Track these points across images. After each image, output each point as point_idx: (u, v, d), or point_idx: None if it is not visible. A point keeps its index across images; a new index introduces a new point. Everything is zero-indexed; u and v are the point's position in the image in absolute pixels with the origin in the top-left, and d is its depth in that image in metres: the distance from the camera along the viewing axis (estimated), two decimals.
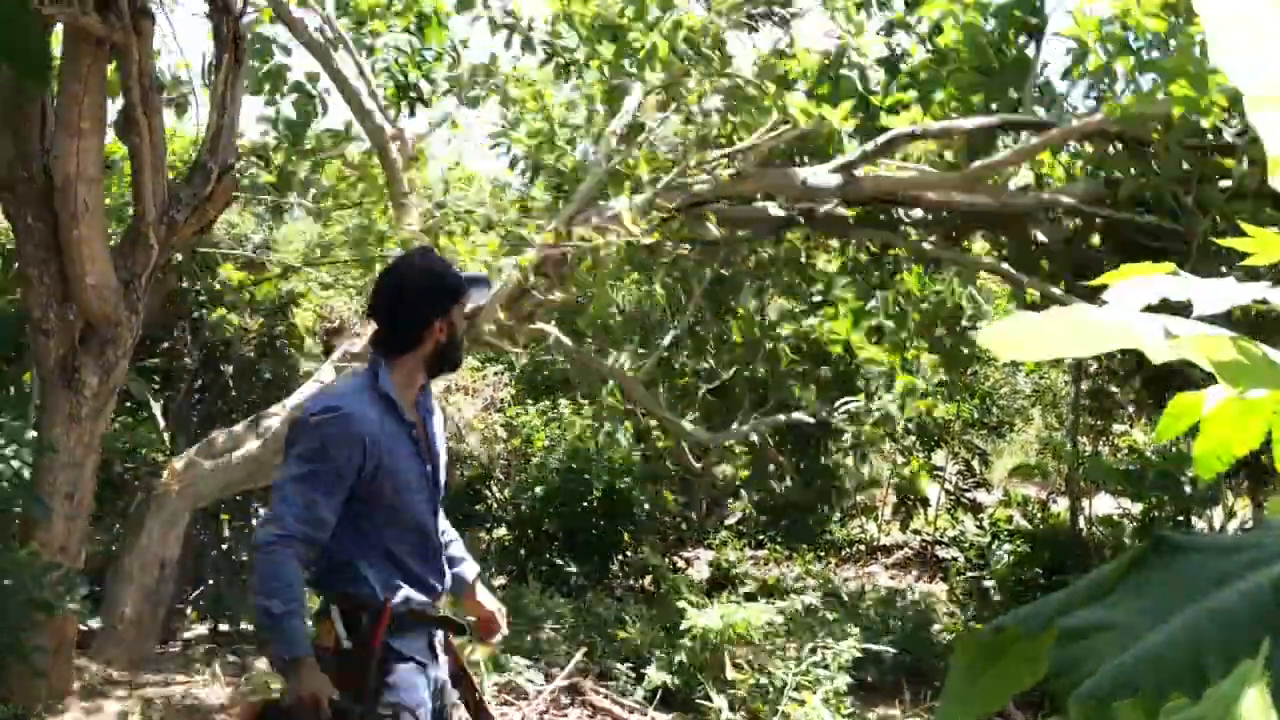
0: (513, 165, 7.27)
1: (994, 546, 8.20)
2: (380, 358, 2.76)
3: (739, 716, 5.43)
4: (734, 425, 6.91)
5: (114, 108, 4.69)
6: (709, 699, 5.47)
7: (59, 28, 4.43)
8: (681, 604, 5.79)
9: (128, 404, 6.67)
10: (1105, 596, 1.05)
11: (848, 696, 5.77)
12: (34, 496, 4.60)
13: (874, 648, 6.25)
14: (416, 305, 2.72)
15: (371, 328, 2.92)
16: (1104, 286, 3.11)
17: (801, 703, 5.49)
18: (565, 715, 5.12)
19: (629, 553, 7.78)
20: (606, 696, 5.43)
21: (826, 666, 5.83)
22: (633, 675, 5.65)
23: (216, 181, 4.65)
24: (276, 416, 5.84)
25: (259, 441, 5.78)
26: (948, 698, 1.18)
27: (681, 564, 8.10)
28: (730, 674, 5.59)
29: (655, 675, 5.56)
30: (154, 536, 5.74)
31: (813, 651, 5.87)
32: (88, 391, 4.68)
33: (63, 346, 4.71)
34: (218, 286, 7.04)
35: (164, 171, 4.62)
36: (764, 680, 5.65)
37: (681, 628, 5.71)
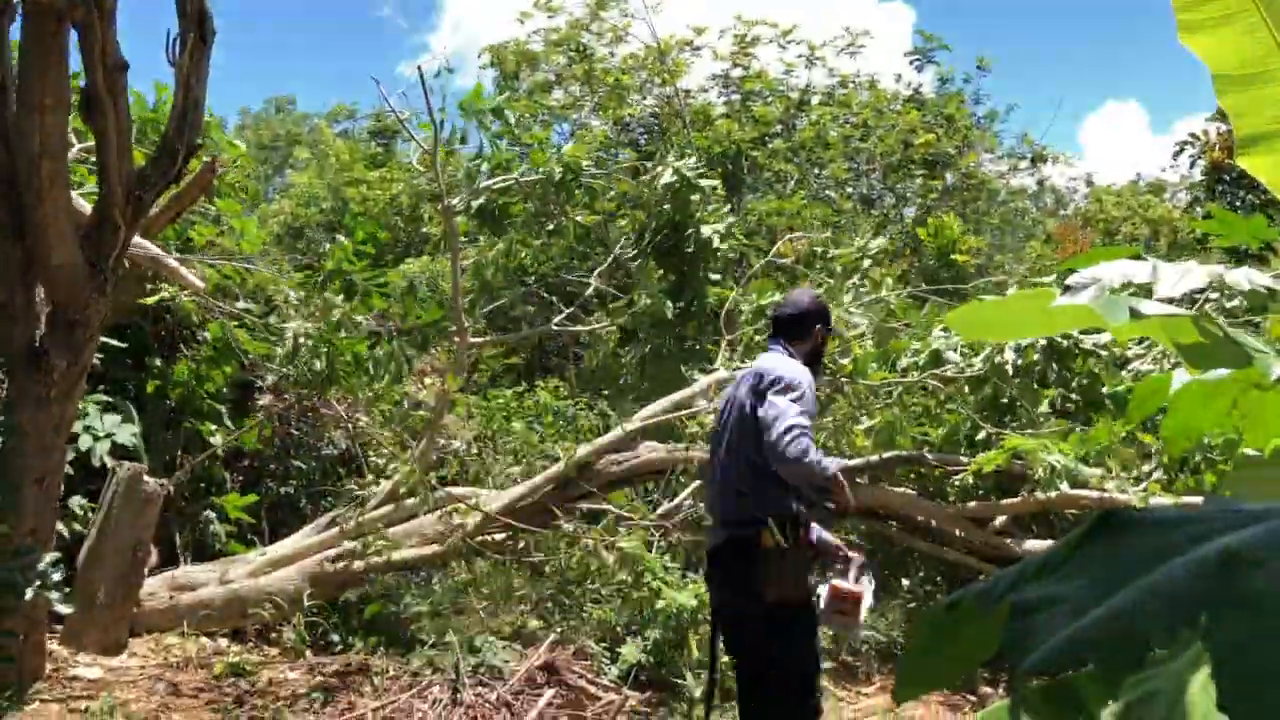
0: None
1: None
2: (785, 343, 4.07)
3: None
4: None
5: None
6: (685, 676, 5.49)
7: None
8: (656, 583, 5.80)
9: (100, 388, 6.63)
10: (1056, 572, 1.05)
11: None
12: (2, 481, 4.57)
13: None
14: (817, 314, 4.15)
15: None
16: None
17: None
18: (540, 694, 5.12)
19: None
20: (581, 675, 5.44)
21: None
22: (608, 655, 5.66)
23: (183, 161, 4.60)
24: None
25: None
26: (904, 674, 1.19)
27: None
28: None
29: (630, 653, 5.57)
30: (127, 519, 5.71)
31: None
32: (56, 374, 4.63)
33: (29, 329, 4.66)
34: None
35: (129, 151, 4.56)
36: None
37: (656, 606, 5.73)
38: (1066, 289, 3.01)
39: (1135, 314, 2.76)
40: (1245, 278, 2.41)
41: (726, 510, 3.91)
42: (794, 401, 3.68)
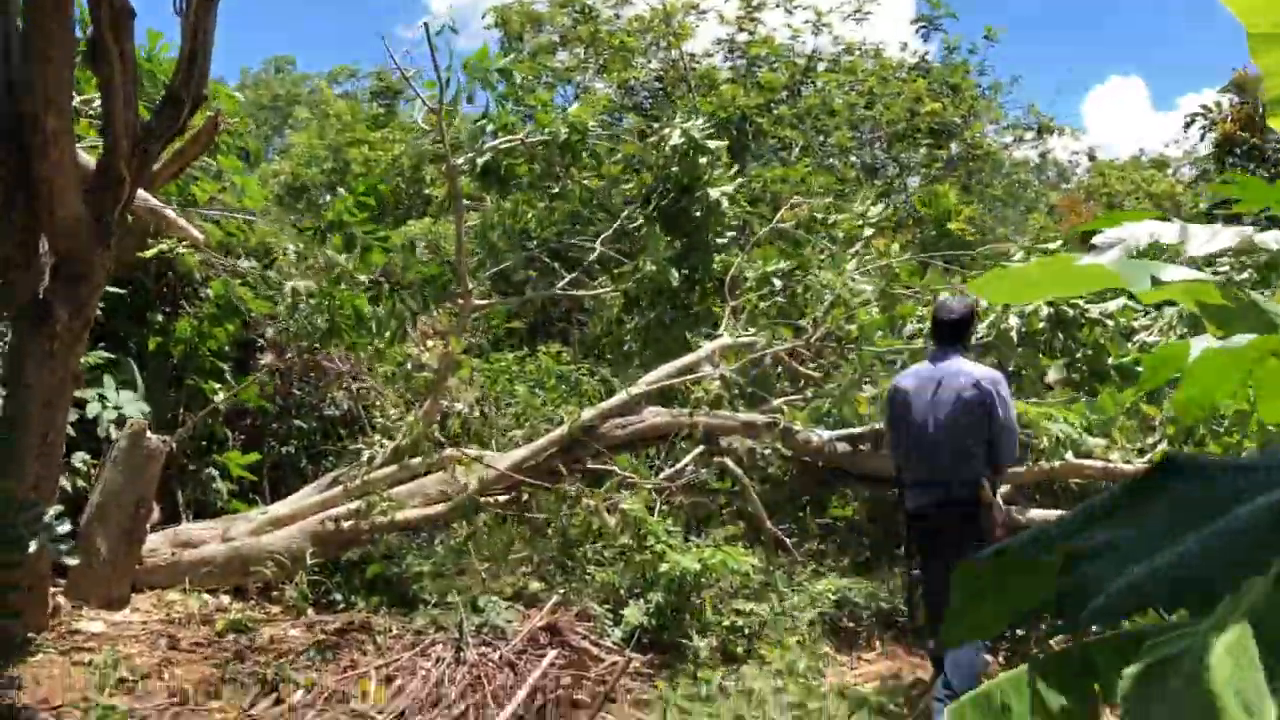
0: None
1: None
2: (955, 346, 5.24)
3: (716, 658, 5.47)
4: None
5: None
6: (688, 639, 5.49)
7: None
8: (660, 547, 5.80)
9: (101, 345, 6.60)
10: (1108, 520, 1.03)
11: (823, 639, 5.84)
12: (6, 434, 4.54)
13: (849, 591, 6.30)
14: (973, 317, 5.37)
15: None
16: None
17: (777, 643, 5.54)
18: (543, 654, 5.12)
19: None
20: (584, 637, 5.45)
21: (801, 610, 5.90)
22: (610, 617, 5.66)
23: (189, 113, 4.54)
24: None
25: None
26: (950, 623, 1.18)
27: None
28: (708, 615, 5.62)
29: (633, 616, 5.57)
30: (130, 475, 5.70)
31: (793, 592, 5.92)
32: (59, 327, 4.59)
33: (33, 282, 4.62)
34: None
35: (135, 102, 4.50)
36: (740, 622, 5.69)
37: (660, 569, 5.73)
38: (1092, 248, 2.97)
39: (1156, 280, 2.72)
40: (1275, 239, 2.38)
41: (951, 473, 5.06)
42: (1011, 413, 5.13)
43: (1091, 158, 24.24)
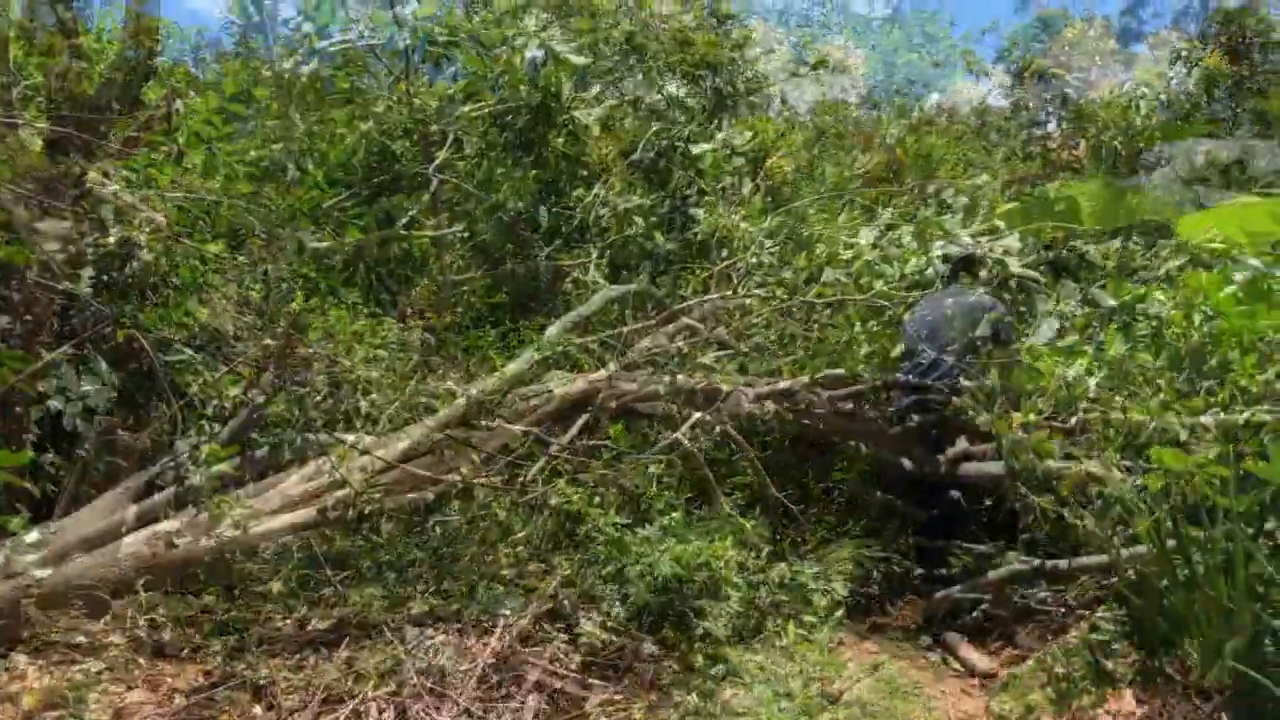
0: None
1: None
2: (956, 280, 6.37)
3: (730, 635, 5.17)
4: None
5: None
6: (699, 615, 5.19)
7: None
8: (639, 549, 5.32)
9: (64, 340, 6.24)
10: None
11: (836, 609, 5.58)
12: None
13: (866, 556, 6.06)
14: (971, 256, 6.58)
15: None
16: None
17: (791, 617, 5.29)
18: (548, 641, 4.88)
19: None
20: (587, 618, 5.17)
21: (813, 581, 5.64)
22: (618, 594, 5.34)
23: (142, 71, 4.19)
24: None
25: None
26: None
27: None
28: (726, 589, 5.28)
29: (639, 596, 5.24)
30: (101, 475, 5.40)
31: (801, 560, 5.70)
32: (11, 320, 4.28)
33: None
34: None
35: (83, 70, 4.17)
36: (749, 595, 5.40)
37: (630, 574, 5.25)
38: (1140, 168, 2.71)
39: (1202, 205, 2.45)
40: None
41: (923, 377, 6.03)
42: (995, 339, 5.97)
43: (1064, 102, 23.98)
